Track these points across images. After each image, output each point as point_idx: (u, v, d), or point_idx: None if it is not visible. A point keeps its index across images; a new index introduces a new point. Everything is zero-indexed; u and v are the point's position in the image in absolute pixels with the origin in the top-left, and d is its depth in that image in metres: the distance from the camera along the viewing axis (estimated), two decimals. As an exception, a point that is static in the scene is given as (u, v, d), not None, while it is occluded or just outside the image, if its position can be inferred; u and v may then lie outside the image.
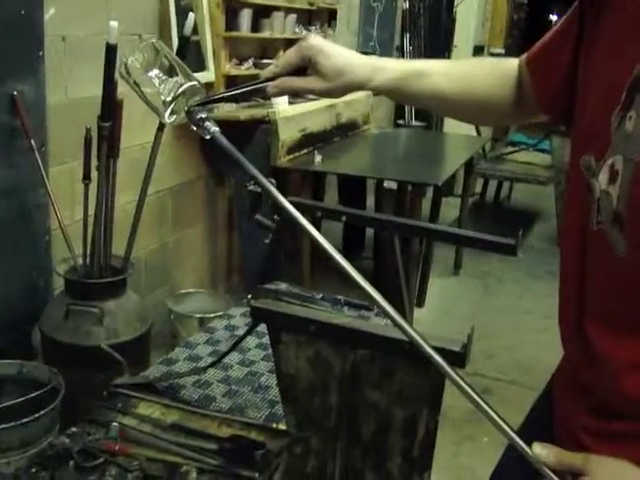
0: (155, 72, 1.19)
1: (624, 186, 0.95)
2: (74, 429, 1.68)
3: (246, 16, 4.05)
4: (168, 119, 1.16)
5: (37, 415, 2.03)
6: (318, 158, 3.95)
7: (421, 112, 6.99)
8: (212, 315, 3.41)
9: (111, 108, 2.42)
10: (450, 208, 6.17)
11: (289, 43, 4.69)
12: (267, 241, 2.70)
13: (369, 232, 5.50)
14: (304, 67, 1.23)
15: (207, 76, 3.70)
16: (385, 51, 6.81)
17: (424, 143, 5.65)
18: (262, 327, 1.75)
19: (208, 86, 3.70)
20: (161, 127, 2.65)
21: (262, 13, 4.27)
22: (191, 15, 2.45)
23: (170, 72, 1.21)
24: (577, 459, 0.95)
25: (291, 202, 2.57)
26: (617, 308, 1.02)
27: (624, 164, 0.95)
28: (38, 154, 2.57)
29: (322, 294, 2.62)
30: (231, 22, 3.96)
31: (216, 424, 1.75)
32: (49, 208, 2.76)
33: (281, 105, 3.87)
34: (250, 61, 4.17)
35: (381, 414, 1.49)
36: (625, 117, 0.96)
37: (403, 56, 7.00)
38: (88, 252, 2.67)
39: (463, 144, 5.45)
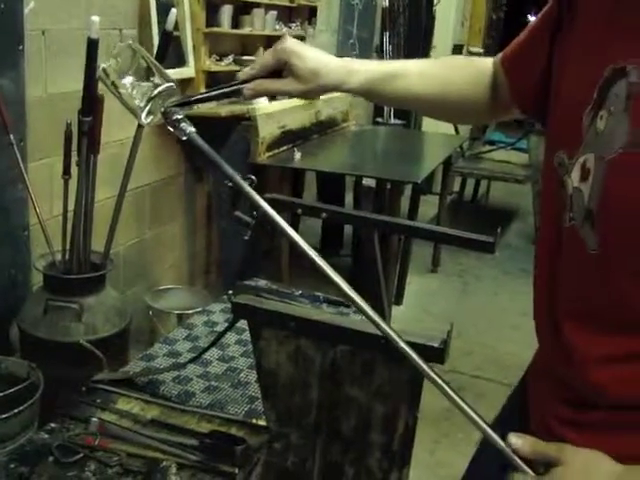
0: (129, 79, 1.20)
1: (595, 184, 0.97)
2: (53, 425, 1.68)
3: (227, 12, 4.05)
4: (145, 120, 1.17)
5: (16, 410, 2.02)
6: (297, 155, 3.96)
7: (400, 110, 7.01)
8: (191, 311, 3.41)
9: (92, 103, 2.41)
10: (429, 206, 6.21)
11: (269, 40, 4.69)
12: (246, 237, 2.71)
13: (347, 230, 5.52)
14: (280, 69, 1.25)
15: (187, 72, 3.69)
16: (365, 49, 6.82)
17: (403, 141, 5.67)
18: (242, 323, 1.75)
19: (188, 82, 3.70)
20: (141, 131, 2.65)
21: (242, 9, 4.27)
22: (173, 11, 2.45)
23: (147, 73, 1.21)
24: (551, 449, 0.97)
25: (271, 199, 2.59)
26: (588, 303, 1.03)
27: (595, 162, 0.97)
28: (17, 149, 2.55)
29: (301, 291, 2.62)
30: (211, 18, 3.95)
31: (196, 420, 1.76)
32: (28, 203, 2.75)
33: (261, 102, 3.87)
34: (230, 57, 4.16)
35: (361, 410, 1.50)
36: (596, 116, 0.98)
37: (383, 55, 7.02)
38: (67, 247, 2.66)
39: (441, 142, 5.47)
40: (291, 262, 4.16)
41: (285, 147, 4.09)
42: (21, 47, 2.65)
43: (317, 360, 1.64)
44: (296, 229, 4.09)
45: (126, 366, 2.16)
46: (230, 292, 1.69)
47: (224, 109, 3.65)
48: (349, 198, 5.49)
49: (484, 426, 0.99)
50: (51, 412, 2.33)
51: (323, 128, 4.75)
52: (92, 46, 2.32)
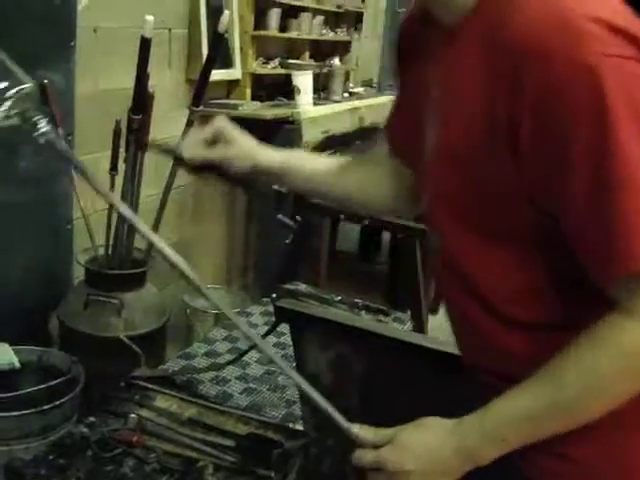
0: None
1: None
2: (92, 419, 1.69)
3: (274, 15, 4.06)
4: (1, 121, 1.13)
5: (57, 403, 2.04)
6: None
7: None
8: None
9: (142, 101, 2.43)
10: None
11: (315, 44, 4.71)
12: (288, 241, 2.73)
13: (386, 236, 5.49)
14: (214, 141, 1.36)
15: (233, 73, 3.70)
16: (409, 56, 6.80)
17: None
18: (281, 326, 1.76)
19: (234, 83, 3.72)
20: (190, 122, 2.66)
21: (290, 13, 4.28)
22: (226, 13, 2.46)
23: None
24: (390, 431, 1.12)
25: (317, 205, 2.60)
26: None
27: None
28: (65, 143, 2.57)
29: (340, 297, 2.63)
30: (259, 21, 3.97)
31: (233, 421, 1.76)
32: (72, 197, 2.78)
33: (306, 106, 3.88)
34: (276, 60, 4.17)
35: (400, 418, 1.49)
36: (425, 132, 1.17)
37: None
38: (110, 243, 2.67)
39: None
40: (329, 266, 4.16)
41: (328, 152, 4.08)
42: (72, 43, 2.67)
43: (358, 367, 1.63)
44: (334, 235, 4.11)
45: (164, 364, 2.18)
46: (273, 295, 1.69)
47: (269, 112, 3.66)
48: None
49: (329, 409, 1.17)
50: (89, 405, 2.36)
51: (367, 134, 4.74)
52: (145, 45, 2.33)
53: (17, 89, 1.10)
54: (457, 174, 1.07)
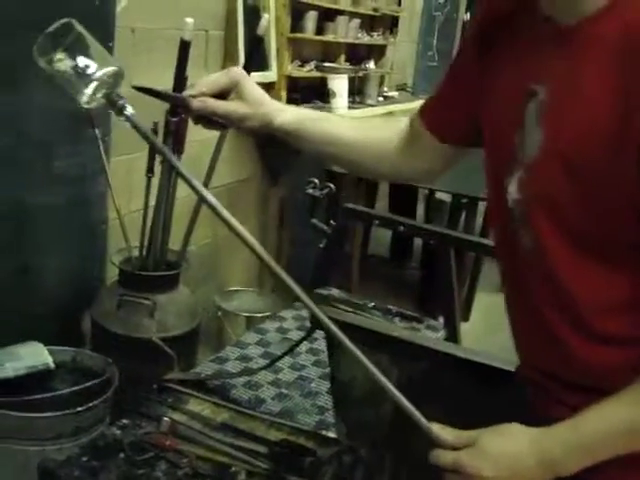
0: (82, 52, 1.13)
1: (521, 184, 1.11)
2: (125, 421, 1.68)
3: (311, 18, 4.06)
4: (86, 104, 1.12)
5: (91, 404, 2.04)
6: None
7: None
8: (260, 315, 3.42)
9: (178, 108, 2.43)
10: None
11: (351, 47, 4.70)
12: (322, 245, 2.71)
13: (417, 241, 5.48)
14: (227, 92, 1.29)
15: (269, 76, 3.71)
16: (444, 60, 6.78)
17: (476, 154, 5.61)
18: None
19: (269, 86, 3.71)
20: (226, 133, 2.67)
21: (326, 16, 4.27)
22: (265, 16, 2.45)
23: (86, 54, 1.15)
24: (472, 434, 1.11)
25: (349, 209, 2.58)
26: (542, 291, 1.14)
27: (517, 173, 1.11)
28: (101, 143, 2.59)
29: (373, 303, 2.62)
30: (296, 23, 3.97)
31: (265, 427, 1.74)
32: (108, 197, 2.79)
33: (341, 109, 3.87)
34: (312, 63, 4.17)
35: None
36: (523, 131, 1.10)
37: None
38: (145, 244, 2.68)
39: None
40: (361, 270, 4.15)
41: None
42: (110, 44, 2.68)
43: (392, 376, 1.62)
44: (367, 238, 4.10)
45: (197, 367, 2.17)
46: (309, 301, 1.68)
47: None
48: (420, 209, 5.46)
49: (410, 407, 1.16)
50: (121, 407, 2.36)
51: (400, 138, 4.73)
52: (184, 47, 2.33)
53: (103, 71, 1.10)
54: (567, 181, 1.03)
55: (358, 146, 1.41)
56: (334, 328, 1.13)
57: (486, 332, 4.60)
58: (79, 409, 2.02)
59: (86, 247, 2.80)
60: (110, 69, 1.11)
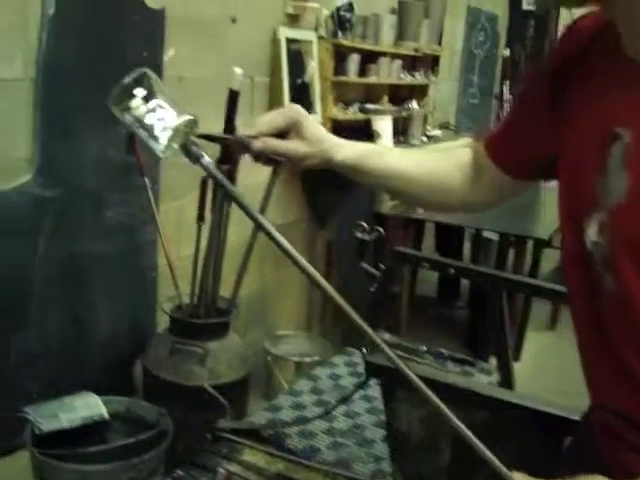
0: (157, 101, 1.14)
1: (607, 234, 1.07)
2: (180, 472, 1.67)
3: (354, 61, 4.08)
4: (162, 154, 1.11)
5: (146, 457, 2.03)
6: (421, 206, 3.94)
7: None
8: (309, 359, 3.41)
9: (230, 151, 2.45)
10: (545, 259, 6.07)
11: (394, 87, 4.71)
12: (372, 289, 2.69)
13: (465, 280, 5.44)
14: (286, 131, 1.28)
15: (314, 119, 3.72)
16: (485, 97, 6.78)
17: (523, 194, 5.58)
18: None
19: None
20: (276, 170, 2.67)
21: (369, 58, 4.29)
22: (312, 64, 2.47)
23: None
24: None
25: (401, 252, 2.56)
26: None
27: (600, 217, 1.07)
28: (151, 192, 2.61)
29: (425, 347, 2.59)
30: (339, 66, 3.99)
31: (321, 477, 1.72)
32: (158, 245, 2.81)
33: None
34: (355, 105, 4.19)
35: (493, 477, 1.45)
36: (604, 177, 1.07)
37: (502, 102, 6.98)
38: (196, 291, 2.68)
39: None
40: (409, 311, 4.13)
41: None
42: (158, 94, 2.72)
43: (450, 425, 1.58)
44: (414, 279, 4.05)
45: (250, 415, 2.16)
46: (364, 350, 1.66)
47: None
48: (466, 248, 5.42)
49: (489, 454, 1.06)
50: (173, 455, 2.35)
51: (446, 178, 4.72)
52: (233, 97, 2.35)
53: (179, 120, 1.11)
54: None
55: (422, 180, 1.40)
56: (410, 373, 1.10)
57: (537, 372, 4.54)
58: (134, 461, 2.01)
59: (137, 295, 2.82)
60: (185, 118, 1.11)
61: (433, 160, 1.44)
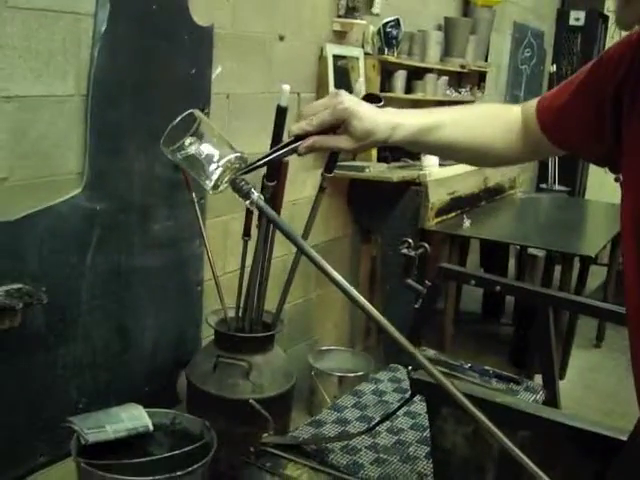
0: (206, 140, 1.18)
1: None
2: (224, 486, 1.68)
3: (400, 77, 4.08)
4: (212, 191, 1.18)
5: (190, 469, 2.05)
6: (467, 222, 3.93)
7: (564, 177, 6.92)
8: (352, 374, 3.41)
9: (277, 168, 2.47)
10: (592, 276, 6.00)
11: (440, 104, 4.70)
12: (417, 306, 2.68)
13: (510, 296, 5.40)
14: (335, 127, 1.27)
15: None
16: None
17: (568, 210, 5.56)
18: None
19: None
20: (322, 189, 2.69)
21: (415, 75, 4.30)
22: (360, 80, 2.48)
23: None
24: None
25: (447, 269, 2.55)
26: None
27: None
28: (197, 207, 2.64)
29: (470, 364, 2.57)
30: (386, 83, 4.00)
31: (365, 493, 1.73)
32: (203, 259, 2.83)
33: (432, 167, 3.87)
34: (402, 122, 4.19)
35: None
36: None
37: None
38: (241, 305, 2.70)
39: (608, 213, 5.34)
40: (454, 328, 4.11)
41: (454, 213, 4.06)
42: (207, 110, 2.75)
43: (496, 443, 1.57)
44: (459, 294, 4.02)
45: (294, 430, 2.16)
46: (410, 367, 1.66)
47: (396, 174, 3.66)
48: (511, 264, 5.39)
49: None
50: (218, 470, 2.37)
51: (491, 195, 4.70)
52: (281, 113, 2.37)
53: (227, 158, 1.16)
54: None
55: (469, 148, 1.43)
56: (454, 390, 1.09)
57: (583, 391, 4.49)
58: (179, 473, 2.03)
59: (182, 308, 2.85)
60: (232, 156, 1.16)
61: (482, 127, 1.44)
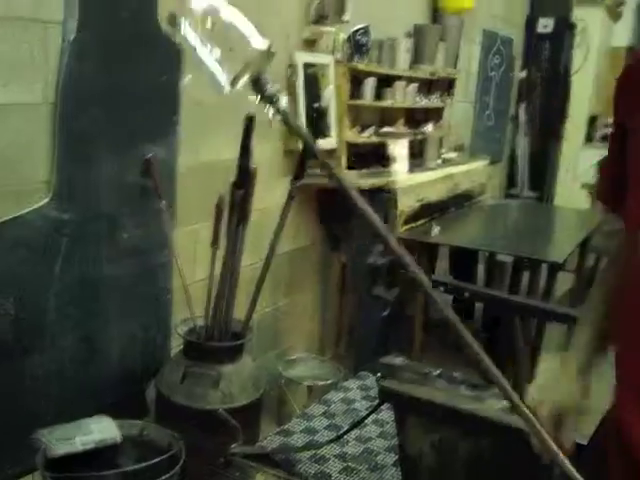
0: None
1: None
2: (192, 496, 1.68)
3: (370, 85, 4.09)
4: (227, 88, 0.89)
5: (159, 480, 2.04)
6: (436, 230, 3.94)
7: (533, 183, 6.99)
8: (321, 383, 3.41)
9: (245, 176, 2.47)
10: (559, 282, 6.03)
11: (409, 111, 4.72)
12: (385, 314, 2.70)
13: (479, 304, 5.42)
14: None
15: (330, 142, 3.73)
16: (500, 120, 6.78)
17: (537, 216, 5.61)
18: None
19: (331, 152, 3.74)
20: (290, 196, 2.69)
21: (385, 82, 4.31)
22: (329, 88, 2.48)
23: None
24: None
25: (412, 277, 2.55)
26: None
27: None
28: (166, 215, 2.63)
29: (439, 371, 2.58)
30: (355, 90, 4.00)
31: (333, 503, 1.73)
32: (172, 267, 2.82)
33: (401, 174, 3.88)
34: (371, 129, 4.20)
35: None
36: None
37: (517, 125, 7.01)
38: (210, 314, 2.70)
39: (577, 219, 5.38)
40: (423, 335, 4.11)
41: (422, 220, 4.08)
42: (176, 117, 2.74)
43: (463, 449, 1.60)
44: (427, 303, 4.00)
45: (262, 439, 2.16)
46: (379, 375, 1.67)
47: (365, 181, 3.67)
48: (481, 270, 5.41)
49: None
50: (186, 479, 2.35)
51: (460, 201, 4.72)
52: (249, 122, 2.37)
53: (258, 47, 0.89)
54: None
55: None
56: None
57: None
58: (146, 485, 2.02)
59: (151, 317, 2.83)
60: (262, 44, 0.89)
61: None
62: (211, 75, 0.91)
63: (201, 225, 2.95)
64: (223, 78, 0.90)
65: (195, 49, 0.91)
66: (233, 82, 0.90)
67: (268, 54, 0.89)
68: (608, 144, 1.36)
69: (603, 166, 1.39)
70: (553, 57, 7.31)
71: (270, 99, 0.88)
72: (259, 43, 0.89)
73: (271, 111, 0.89)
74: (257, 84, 0.88)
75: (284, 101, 0.88)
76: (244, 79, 0.89)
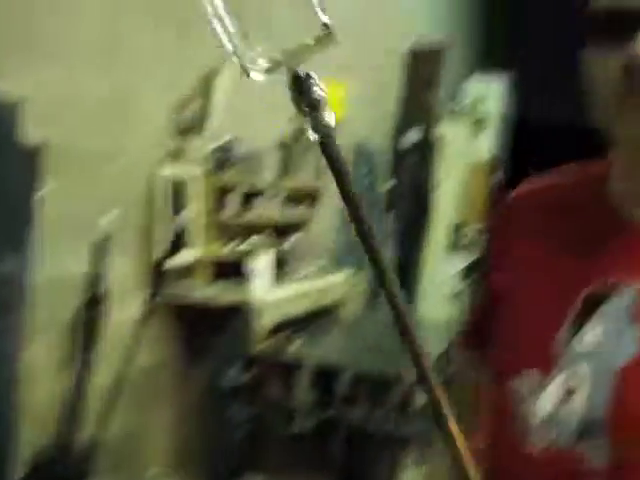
0: None
1: (597, 395, 0.98)
2: None
3: (234, 198, 4.11)
4: (261, 75, 0.62)
5: None
6: (295, 345, 3.93)
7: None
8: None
9: (96, 297, 2.43)
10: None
11: (275, 223, 4.77)
12: (244, 433, 2.66)
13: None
14: None
15: (191, 254, 3.69)
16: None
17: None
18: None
19: (192, 266, 3.71)
20: (147, 314, 2.65)
21: (251, 194, 4.34)
22: (194, 200, 2.47)
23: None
24: None
25: (273, 401, 2.52)
26: None
27: (595, 375, 0.99)
28: (17, 331, 2.54)
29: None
30: (220, 202, 4.01)
31: None
32: (18, 386, 2.70)
33: (260, 289, 3.86)
34: (236, 242, 4.20)
35: None
36: (581, 333, 1.01)
37: (384, 234, 7.17)
38: (56, 435, 2.59)
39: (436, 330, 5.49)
40: (285, 450, 4.06)
41: (284, 334, 4.07)
42: (29, 228, 2.67)
43: None
44: (291, 417, 3.89)
45: None
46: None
47: (224, 297, 3.65)
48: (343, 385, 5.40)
49: None
50: None
51: (322, 315, 4.75)
52: (105, 241, 2.34)
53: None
54: None
55: None
56: None
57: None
58: None
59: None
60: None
61: None
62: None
63: (51, 342, 2.85)
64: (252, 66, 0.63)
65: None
66: (268, 71, 0.63)
67: (329, 39, 0.63)
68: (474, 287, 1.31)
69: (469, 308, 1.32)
70: (417, 169, 7.59)
71: (315, 106, 0.63)
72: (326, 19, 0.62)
73: (311, 128, 0.64)
74: (300, 83, 0.62)
75: (332, 116, 0.64)
76: (285, 71, 0.63)
